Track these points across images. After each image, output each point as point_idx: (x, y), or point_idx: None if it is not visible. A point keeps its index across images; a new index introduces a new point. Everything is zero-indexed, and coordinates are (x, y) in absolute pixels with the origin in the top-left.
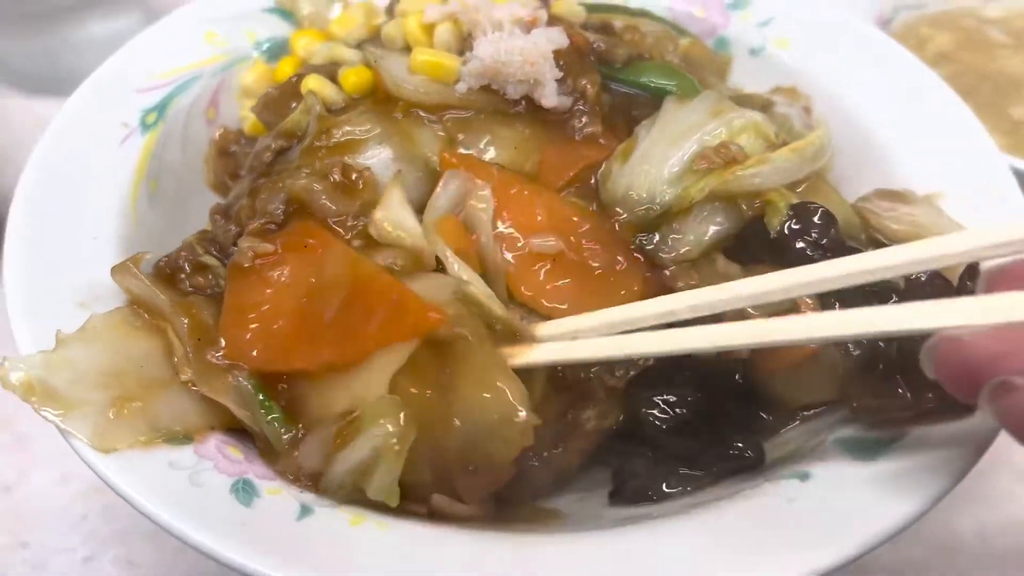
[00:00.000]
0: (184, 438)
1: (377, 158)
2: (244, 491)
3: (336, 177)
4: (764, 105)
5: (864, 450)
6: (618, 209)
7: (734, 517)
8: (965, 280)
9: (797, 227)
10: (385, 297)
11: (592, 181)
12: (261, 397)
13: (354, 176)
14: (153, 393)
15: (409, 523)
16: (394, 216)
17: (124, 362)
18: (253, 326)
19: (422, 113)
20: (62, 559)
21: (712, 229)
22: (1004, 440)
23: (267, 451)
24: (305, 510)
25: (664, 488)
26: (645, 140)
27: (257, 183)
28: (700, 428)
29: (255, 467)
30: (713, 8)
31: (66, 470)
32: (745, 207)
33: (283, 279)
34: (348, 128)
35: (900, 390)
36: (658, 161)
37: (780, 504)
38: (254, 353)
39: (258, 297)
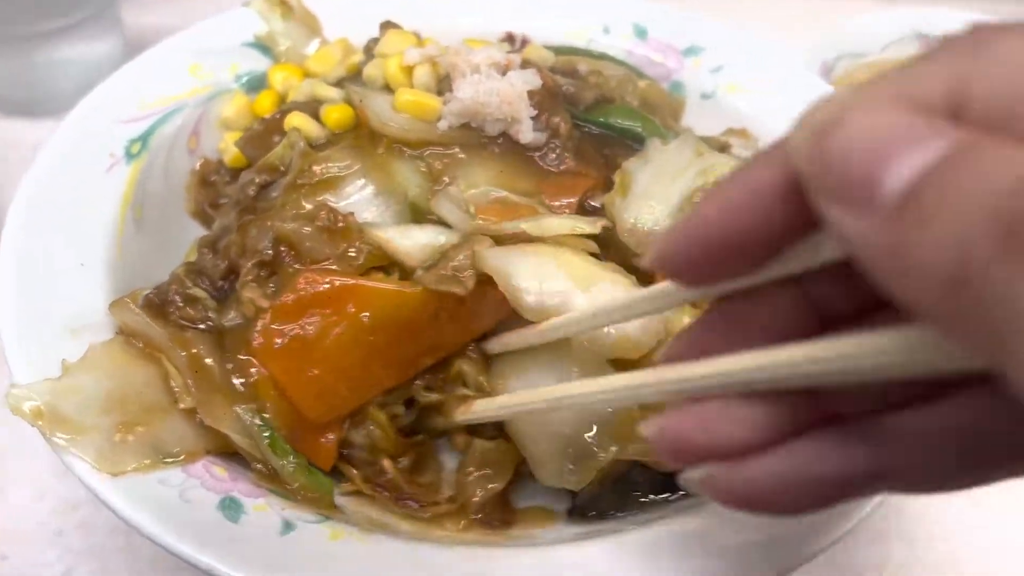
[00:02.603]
0: (179, 461)
1: (359, 194)
2: (230, 508)
3: (322, 221)
4: (722, 147)
5: None
6: (626, 239)
7: (689, 525)
8: None
9: None
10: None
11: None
12: (269, 434)
13: (339, 222)
14: (156, 418)
15: (387, 538)
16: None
17: (126, 389)
18: (326, 384)
19: (405, 149)
20: (39, 573)
21: None
22: None
23: (264, 475)
24: (288, 526)
25: (623, 509)
26: (641, 176)
27: (244, 219)
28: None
29: (239, 485)
30: (669, 54)
31: (42, 487)
32: None
33: (330, 331)
34: (329, 164)
35: None
36: (661, 198)
37: (739, 515)
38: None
39: (312, 356)
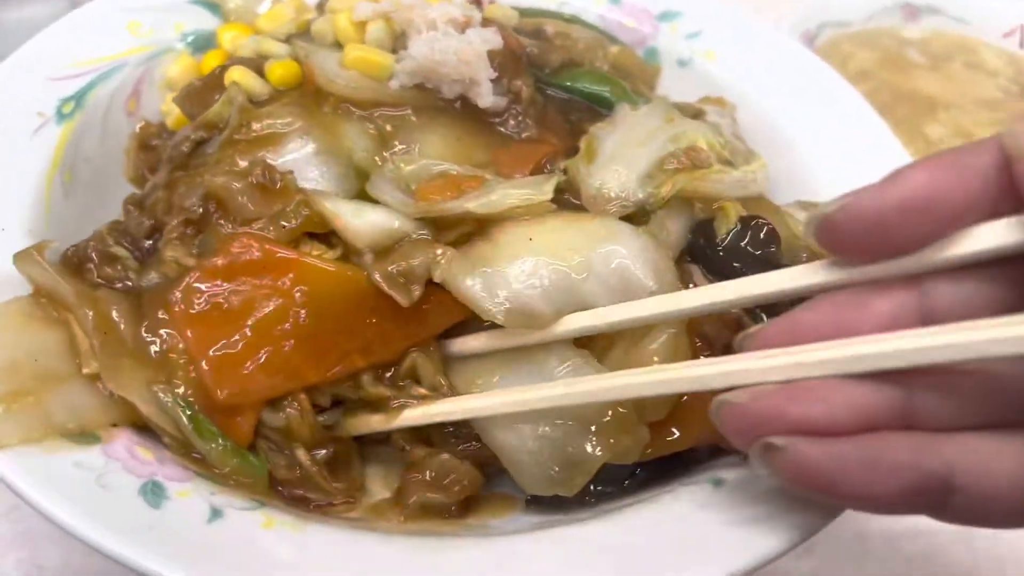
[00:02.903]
0: (81, 435)
1: (299, 152)
2: (153, 493)
3: (257, 179)
4: (696, 114)
5: None
6: (588, 205)
7: (649, 521)
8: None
9: (742, 239)
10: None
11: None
12: (190, 414)
13: (276, 180)
14: (47, 387)
15: (322, 526)
16: None
17: (18, 354)
18: (236, 361)
19: (353, 109)
20: None
21: (678, 228)
22: None
23: (178, 448)
24: (215, 513)
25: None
26: (608, 142)
27: (174, 176)
28: None
29: (166, 468)
30: (643, 19)
31: None
32: (699, 210)
33: (258, 305)
34: (269, 121)
35: None
36: (628, 161)
37: (693, 510)
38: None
39: (232, 329)
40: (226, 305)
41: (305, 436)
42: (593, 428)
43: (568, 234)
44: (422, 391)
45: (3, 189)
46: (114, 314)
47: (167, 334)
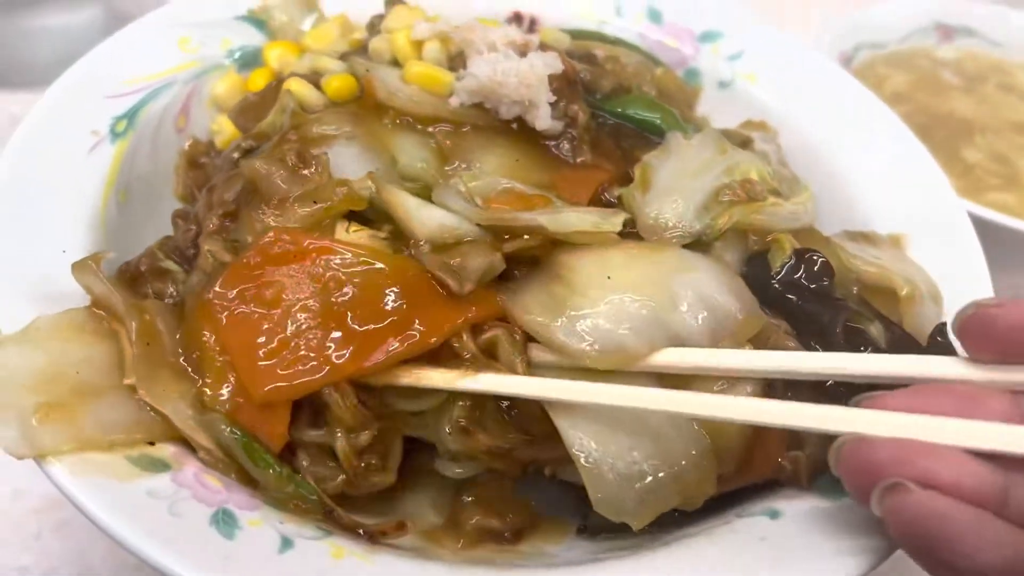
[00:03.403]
0: (151, 463)
1: (343, 150)
2: (224, 523)
3: (292, 160)
4: (744, 142)
5: (832, 491)
6: (646, 235)
7: (708, 553)
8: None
9: (796, 272)
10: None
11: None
12: (245, 442)
13: (310, 160)
14: (83, 400)
15: (390, 556)
16: None
17: (61, 366)
18: (272, 356)
19: (414, 123)
20: None
21: (734, 260)
22: None
23: (215, 463)
24: (286, 543)
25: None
26: (662, 171)
27: (217, 179)
28: None
29: (235, 496)
30: (685, 39)
31: (17, 485)
32: (752, 242)
33: (287, 296)
34: (319, 126)
35: None
36: (685, 192)
37: (752, 541)
38: (283, 377)
39: (267, 324)
40: (260, 300)
41: (347, 420)
42: (675, 469)
43: (642, 267)
44: (498, 366)
45: (62, 209)
46: (159, 324)
47: (204, 336)
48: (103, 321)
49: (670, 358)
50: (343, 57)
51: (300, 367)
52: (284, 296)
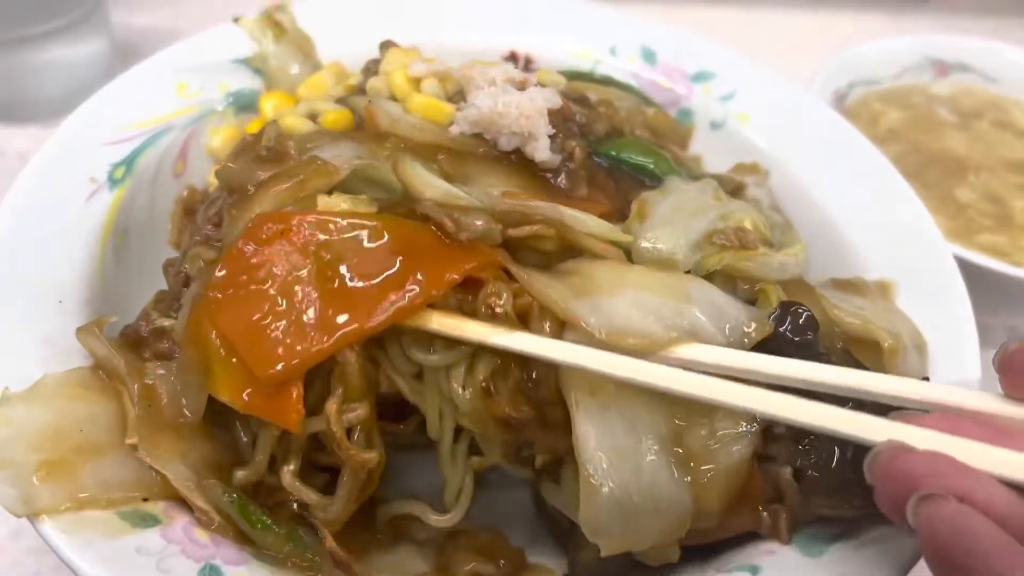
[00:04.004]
0: (141, 518)
1: (337, 150)
2: None
3: (264, 152)
4: (737, 188)
5: (811, 545)
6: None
7: None
8: None
9: (782, 324)
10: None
11: None
12: (239, 504)
13: (286, 152)
14: (85, 458)
15: None
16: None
17: (65, 423)
18: (274, 335)
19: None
20: None
21: None
22: None
23: (208, 523)
24: None
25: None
26: (661, 206)
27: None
28: None
29: (222, 551)
30: (677, 79)
31: (16, 525)
32: (740, 289)
33: (280, 272)
34: (311, 143)
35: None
36: (682, 227)
37: None
38: (287, 352)
39: (262, 302)
40: (254, 283)
41: (357, 386)
42: (660, 514)
43: (655, 276)
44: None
45: (59, 257)
46: (158, 388)
47: (208, 333)
48: (107, 381)
49: (694, 353)
50: (340, 101)
51: (303, 342)
52: (276, 274)
